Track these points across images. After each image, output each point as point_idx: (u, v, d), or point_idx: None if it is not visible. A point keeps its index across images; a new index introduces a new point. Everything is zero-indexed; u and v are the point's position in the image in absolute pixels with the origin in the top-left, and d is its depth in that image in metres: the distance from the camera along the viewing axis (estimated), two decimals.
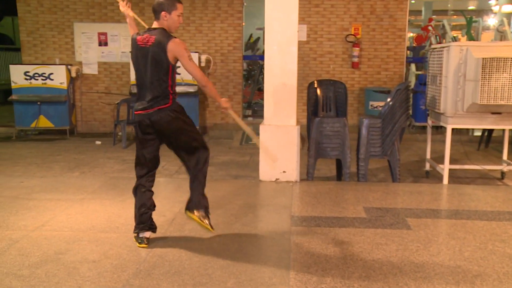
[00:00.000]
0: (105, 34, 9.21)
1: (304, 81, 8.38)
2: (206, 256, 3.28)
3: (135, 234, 3.50)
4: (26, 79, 8.52)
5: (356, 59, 9.07)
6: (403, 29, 9.08)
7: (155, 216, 3.62)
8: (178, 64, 3.38)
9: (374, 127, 5.31)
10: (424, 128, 8.48)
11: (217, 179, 5.58)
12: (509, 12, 11.74)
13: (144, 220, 3.49)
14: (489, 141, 7.49)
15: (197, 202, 3.55)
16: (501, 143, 5.97)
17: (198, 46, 9.14)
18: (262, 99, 5.80)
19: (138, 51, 3.35)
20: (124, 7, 3.69)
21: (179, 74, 3.46)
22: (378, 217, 4.10)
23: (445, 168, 5.31)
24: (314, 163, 5.37)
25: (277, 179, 5.28)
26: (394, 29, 9.07)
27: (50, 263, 3.16)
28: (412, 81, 9.48)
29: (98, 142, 8.16)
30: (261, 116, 5.49)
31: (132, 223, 3.59)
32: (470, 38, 8.90)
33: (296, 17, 5.14)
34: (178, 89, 3.46)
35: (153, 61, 3.28)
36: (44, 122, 8.62)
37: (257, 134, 5.83)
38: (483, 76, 4.78)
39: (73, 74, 8.93)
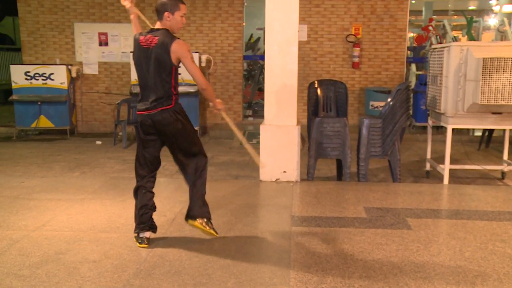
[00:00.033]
0: (105, 34, 9.22)
1: (304, 81, 8.39)
2: (207, 256, 3.28)
3: (136, 234, 3.50)
4: (26, 79, 8.53)
5: (356, 59, 9.07)
6: (403, 29, 9.08)
7: (156, 216, 3.62)
8: (180, 64, 3.38)
9: (375, 127, 5.31)
10: (424, 128, 8.48)
11: (218, 179, 5.58)
12: (510, 12, 11.73)
13: (144, 220, 3.49)
14: (489, 141, 7.48)
15: (198, 210, 3.52)
16: (502, 143, 5.97)
17: (198, 46, 9.14)
18: (263, 99, 5.80)
19: (141, 52, 3.35)
20: (128, 4, 3.67)
21: (179, 74, 3.46)
22: (379, 217, 4.10)
23: (446, 168, 5.31)
24: (315, 163, 5.37)
25: (277, 179, 5.28)
26: (394, 29, 9.07)
27: (51, 263, 3.17)
28: (413, 81, 9.47)
29: (98, 142, 8.16)
30: (262, 116, 5.49)
31: (132, 223, 3.59)
32: (471, 38, 8.89)
33: (296, 17, 5.14)
34: (179, 89, 3.46)
35: (156, 62, 3.28)
36: (44, 122, 8.62)
37: (258, 134, 5.83)
38: (483, 76, 4.78)
39: (74, 74, 8.94)
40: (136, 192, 3.53)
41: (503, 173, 5.82)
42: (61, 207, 4.35)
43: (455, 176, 5.76)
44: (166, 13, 3.31)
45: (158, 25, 3.37)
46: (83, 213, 4.20)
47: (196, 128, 3.66)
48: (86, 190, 4.92)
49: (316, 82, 5.79)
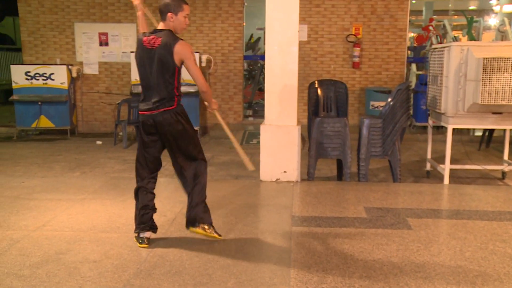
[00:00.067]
0: (105, 34, 9.22)
1: (304, 81, 8.38)
2: (207, 256, 3.28)
3: (136, 234, 3.50)
4: (27, 79, 8.53)
5: (356, 59, 9.07)
6: (404, 29, 9.08)
7: (156, 216, 3.62)
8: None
9: (375, 127, 5.31)
10: (424, 128, 8.48)
11: (218, 179, 5.58)
12: (510, 12, 11.73)
13: (145, 220, 3.50)
14: (490, 141, 7.48)
15: (199, 216, 3.52)
16: (502, 143, 5.97)
17: (198, 46, 9.14)
18: (263, 99, 5.80)
19: (144, 52, 3.34)
20: (137, 1, 3.65)
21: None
22: (379, 217, 4.10)
23: (446, 168, 5.31)
24: (315, 163, 5.37)
25: (277, 179, 5.28)
26: (395, 29, 9.07)
27: (51, 263, 3.17)
28: (413, 81, 9.47)
29: (99, 142, 8.16)
30: (262, 116, 5.49)
31: (132, 223, 3.59)
32: (471, 38, 8.89)
33: (296, 17, 5.14)
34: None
35: (159, 63, 3.27)
36: (45, 122, 8.63)
37: (258, 134, 5.83)
38: (484, 76, 4.78)
39: (74, 74, 8.94)
40: (136, 192, 3.53)
41: (503, 173, 5.81)
42: (62, 207, 4.36)
43: (455, 176, 5.75)
44: (169, 14, 3.31)
45: (161, 26, 3.36)
46: (84, 213, 4.20)
47: (196, 128, 3.64)
48: (87, 190, 4.93)
49: (316, 82, 5.79)
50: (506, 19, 9.29)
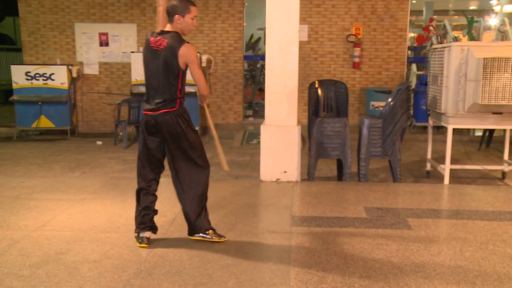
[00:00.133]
0: (106, 34, 9.22)
1: (305, 81, 8.39)
2: (207, 256, 3.28)
3: (136, 234, 3.50)
4: (27, 79, 8.54)
5: (357, 59, 9.07)
6: (404, 29, 9.08)
7: (156, 216, 3.61)
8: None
9: (375, 127, 5.31)
10: (425, 128, 8.48)
11: (218, 179, 5.58)
12: (511, 12, 11.72)
13: (145, 221, 3.50)
14: (490, 141, 7.48)
15: (200, 225, 3.52)
16: (502, 143, 5.97)
17: (199, 46, 9.14)
18: (263, 99, 5.80)
19: (150, 53, 3.35)
20: None
21: None
22: (379, 217, 4.10)
23: (446, 168, 5.31)
24: (315, 163, 5.37)
25: (277, 179, 5.28)
26: (395, 29, 9.07)
27: (51, 263, 3.17)
28: (413, 81, 9.47)
29: (99, 142, 8.16)
30: (262, 116, 5.50)
31: (133, 223, 3.59)
32: (471, 38, 8.88)
33: (297, 17, 5.14)
34: None
35: (164, 65, 3.28)
36: (45, 122, 8.63)
37: (258, 135, 5.82)
38: (484, 76, 4.78)
39: (74, 74, 8.94)
40: (138, 193, 3.52)
41: (503, 173, 5.81)
42: (62, 207, 4.36)
43: (455, 176, 5.75)
44: (176, 16, 3.30)
45: (168, 27, 3.35)
46: (84, 213, 4.20)
47: (196, 128, 3.61)
48: (87, 190, 4.93)
49: (316, 82, 5.79)
50: (506, 19, 9.28)
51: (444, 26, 9.68)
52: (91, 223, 3.93)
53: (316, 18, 9.11)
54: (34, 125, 8.60)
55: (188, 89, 3.47)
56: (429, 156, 5.95)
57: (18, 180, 5.34)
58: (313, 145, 5.31)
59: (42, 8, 9.23)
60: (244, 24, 9.36)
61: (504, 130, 5.80)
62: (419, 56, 10.18)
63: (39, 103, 8.51)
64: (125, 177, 5.57)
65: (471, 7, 14.51)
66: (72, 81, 8.97)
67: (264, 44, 5.24)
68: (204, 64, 8.75)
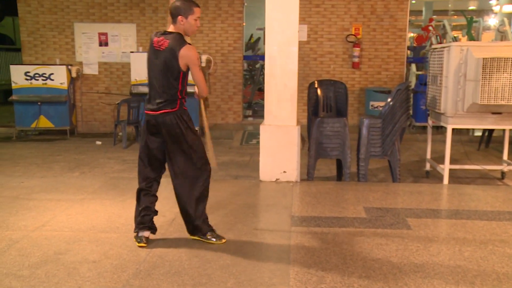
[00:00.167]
0: (105, 34, 9.22)
1: (304, 81, 8.39)
2: (206, 256, 3.28)
3: (135, 234, 3.50)
4: (26, 79, 8.53)
5: (356, 59, 9.07)
6: (403, 29, 9.08)
7: (155, 216, 3.61)
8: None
9: (375, 127, 5.31)
10: (424, 128, 8.48)
11: (217, 179, 5.57)
12: (510, 12, 11.73)
13: (144, 221, 3.50)
14: (489, 141, 7.48)
15: (200, 227, 3.52)
16: (502, 143, 5.97)
17: (198, 46, 9.14)
18: (263, 99, 5.80)
19: (152, 53, 3.36)
20: None
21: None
22: (378, 217, 4.10)
23: (445, 168, 5.31)
24: (314, 163, 5.37)
25: (277, 179, 5.28)
26: (394, 29, 9.07)
27: (50, 263, 3.17)
28: (413, 81, 9.47)
29: (98, 142, 8.16)
30: (262, 116, 5.50)
31: (132, 223, 3.59)
32: (471, 38, 8.89)
33: (296, 17, 5.14)
34: None
35: (164, 65, 3.28)
36: (44, 123, 8.63)
37: (257, 135, 5.82)
38: (483, 76, 4.78)
39: (74, 74, 8.94)
40: (139, 194, 3.52)
41: (502, 173, 5.82)
42: (61, 207, 4.36)
43: (455, 176, 5.75)
44: (179, 17, 3.29)
45: (171, 28, 3.35)
46: (83, 213, 4.20)
47: (196, 128, 3.60)
48: (86, 190, 4.92)
49: (316, 82, 5.79)
50: (505, 19, 9.29)
51: (444, 26, 9.69)
52: (91, 223, 3.93)
53: (316, 18, 9.11)
54: (33, 125, 8.60)
55: (188, 89, 3.47)
56: (428, 156, 5.95)
57: (17, 180, 5.34)
58: (313, 145, 5.31)
59: (41, 8, 9.22)
60: (244, 24, 9.36)
61: (503, 130, 5.80)
62: (418, 56, 10.19)
63: (39, 103, 8.51)
64: (124, 177, 5.57)
65: (471, 7, 14.52)
66: (72, 81, 8.97)
67: (264, 44, 5.25)
68: (203, 64, 8.75)
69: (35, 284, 2.89)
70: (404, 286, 2.87)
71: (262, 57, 8.01)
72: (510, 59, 4.73)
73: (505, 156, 5.83)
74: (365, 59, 9.16)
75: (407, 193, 4.87)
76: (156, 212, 3.56)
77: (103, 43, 9.26)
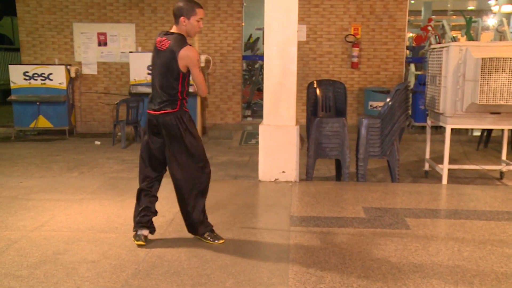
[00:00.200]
0: (104, 34, 9.22)
1: (303, 81, 8.39)
2: (205, 256, 3.28)
3: (134, 233, 3.50)
4: (25, 79, 8.52)
5: (355, 59, 9.08)
6: (402, 29, 9.09)
7: (154, 216, 3.61)
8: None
9: (374, 127, 5.31)
10: (423, 128, 8.48)
11: (216, 179, 5.57)
12: (509, 12, 11.75)
13: (143, 221, 3.50)
14: (488, 141, 7.50)
15: (198, 228, 3.53)
16: (500, 143, 5.98)
17: (197, 46, 9.13)
18: (262, 99, 5.80)
19: (156, 52, 3.37)
20: None
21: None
22: (377, 217, 4.10)
23: (444, 168, 5.32)
24: (314, 163, 5.37)
25: (276, 179, 5.28)
26: (393, 29, 9.08)
27: (49, 263, 3.16)
28: (412, 81, 9.48)
29: (97, 142, 8.16)
30: (261, 116, 5.50)
31: (131, 223, 3.59)
32: (470, 38, 8.90)
33: (295, 17, 5.14)
34: None
35: (164, 66, 3.29)
36: (43, 122, 8.62)
37: (257, 135, 5.82)
38: (482, 76, 4.78)
39: (73, 74, 8.93)
40: (139, 193, 3.52)
41: (501, 173, 5.82)
42: (60, 207, 4.35)
43: (453, 176, 5.76)
44: (182, 18, 3.29)
45: (174, 29, 3.36)
46: (82, 213, 4.20)
47: (196, 128, 3.59)
48: (85, 190, 4.92)
49: (315, 82, 5.79)
50: (504, 19, 9.31)
51: (443, 26, 9.70)
52: (90, 223, 3.93)
53: (315, 18, 9.11)
54: (32, 125, 8.59)
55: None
56: (427, 156, 5.95)
57: (16, 181, 5.34)
58: (312, 145, 5.32)
59: (40, 8, 9.21)
60: (243, 24, 9.36)
61: (502, 130, 5.81)
62: (417, 56, 10.20)
63: (37, 103, 8.50)
64: (123, 177, 5.56)
65: (470, 7, 14.53)
66: (71, 81, 8.96)
67: (263, 44, 5.24)
68: (202, 64, 8.75)
69: (33, 284, 2.88)
70: (403, 286, 2.87)
71: (261, 57, 8.01)
72: (509, 59, 4.73)
73: (503, 156, 5.84)
74: (364, 59, 9.16)
75: (406, 193, 4.88)
76: (155, 213, 3.56)
77: (102, 43, 9.25)
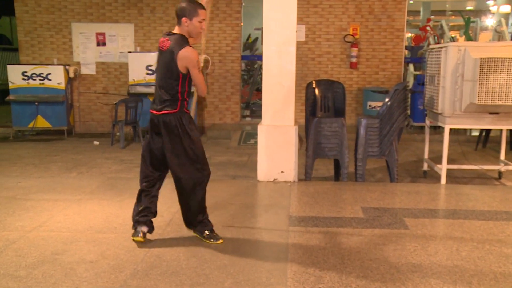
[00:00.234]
0: (103, 34, 9.21)
1: (302, 81, 8.39)
2: (204, 256, 3.28)
3: (133, 230, 3.51)
4: (23, 79, 8.51)
5: (354, 59, 9.08)
6: (401, 29, 9.09)
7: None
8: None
9: (372, 127, 5.32)
10: (422, 128, 8.47)
11: (215, 179, 5.56)
12: (507, 13, 11.77)
13: (142, 220, 3.50)
14: (486, 141, 7.50)
15: (196, 226, 3.55)
16: (499, 143, 5.98)
17: (196, 46, 9.12)
18: (260, 99, 5.80)
19: (159, 53, 3.39)
20: None
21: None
22: (376, 217, 4.10)
23: (443, 168, 5.32)
24: (312, 163, 5.37)
25: (275, 179, 5.28)
26: (392, 29, 9.08)
27: (47, 263, 3.16)
28: (410, 81, 9.49)
29: (96, 143, 8.15)
30: (259, 116, 5.49)
31: (129, 223, 3.59)
32: (468, 39, 8.91)
33: (294, 17, 5.14)
34: None
35: (165, 66, 3.30)
36: (41, 123, 8.61)
37: (255, 135, 5.82)
38: (481, 76, 4.79)
39: (71, 74, 8.92)
40: (140, 193, 3.53)
41: (500, 173, 5.83)
42: (58, 207, 4.35)
43: (452, 176, 5.76)
44: (183, 19, 3.30)
45: (176, 30, 3.36)
46: (80, 213, 4.19)
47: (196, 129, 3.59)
48: (84, 191, 4.91)
49: (314, 82, 5.79)
50: (503, 20, 9.33)
51: (441, 26, 9.71)
52: (88, 224, 3.92)
53: (314, 18, 9.11)
54: (30, 125, 8.58)
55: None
56: (426, 156, 5.96)
57: (14, 181, 5.33)
58: (310, 145, 5.32)
59: (38, 8, 9.20)
60: (242, 24, 9.35)
61: (501, 130, 5.82)
62: (416, 56, 10.20)
63: (36, 103, 8.49)
64: (122, 178, 5.55)
65: (468, 8, 14.56)
66: (69, 81, 8.95)
67: (262, 44, 5.24)
68: (201, 64, 8.73)
69: (32, 284, 2.88)
70: (402, 286, 2.87)
71: (260, 57, 8.02)
72: (507, 59, 4.74)
73: (502, 156, 5.85)
74: (363, 59, 9.17)
75: (404, 193, 4.88)
76: (155, 214, 3.56)
77: (101, 43, 9.24)
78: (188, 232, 3.68)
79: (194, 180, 3.43)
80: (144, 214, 3.48)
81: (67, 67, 8.84)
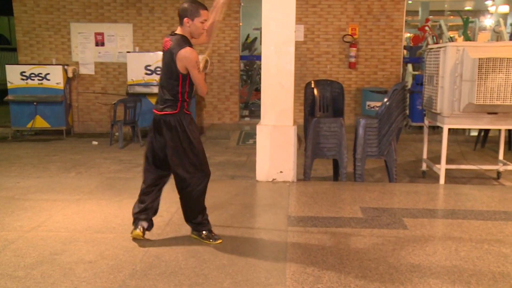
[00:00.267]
0: (101, 34, 9.20)
1: (301, 81, 8.38)
2: (203, 256, 3.28)
3: (133, 227, 3.51)
4: (22, 79, 8.50)
5: (353, 59, 9.09)
6: (400, 29, 9.10)
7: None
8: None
9: (371, 127, 5.32)
10: (420, 128, 8.49)
11: (214, 180, 5.54)
12: (506, 13, 11.78)
13: (142, 218, 3.51)
14: (485, 141, 7.52)
15: (195, 226, 3.56)
16: (497, 143, 5.99)
17: (195, 46, 9.11)
18: (259, 99, 5.80)
19: (162, 53, 3.40)
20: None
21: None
22: (375, 217, 4.10)
23: (442, 168, 5.33)
24: (311, 163, 5.37)
25: (274, 179, 5.28)
26: (391, 29, 9.09)
27: (46, 264, 3.15)
28: (409, 81, 9.50)
29: (94, 143, 8.14)
30: (258, 116, 5.49)
31: (129, 223, 3.59)
32: (467, 39, 8.93)
33: (293, 17, 5.14)
34: None
35: (165, 66, 3.32)
36: (40, 123, 8.60)
37: (254, 135, 5.82)
38: (479, 76, 4.80)
39: (70, 74, 8.91)
40: (141, 193, 3.53)
41: (498, 173, 5.84)
42: (57, 207, 4.34)
43: (451, 176, 5.77)
44: (185, 19, 3.30)
45: (178, 30, 3.37)
46: (79, 213, 4.19)
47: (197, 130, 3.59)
48: (82, 191, 4.91)
49: (312, 82, 5.79)
50: (501, 20, 9.34)
51: (440, 26, 9.72)
52: (87, 224, 3.92)
53: (312, 18, 9.11)
54: (29, 125, 8.57)
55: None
56: (424, 156, 5.96)
57: (13, 181, 5.32)
58: (309, 145, 5.32)
59: (37, 8, 9.19)
60: (240, 24, 9.35)
61: (499, 130, 5.82)
62: (415, 56, 10.21)
63: (34, 103, 8.48)
64: (121, 177, 5.54)
65: (467, 8, 14.57)
66: (68, 81, 8.94)
67: (260, 44, 5.24)
68: (203, 65, 8.72)
69: (30, 284, 2.87)
70: (401, 285, 2.87)
71: (259, 57, 8.00)
72: (506, 59, 4.75)
73: (500, 156, 5.85)
74: (362, 59, 9.17)
75: (403, 193, 4.88)
76: (156, 212, 3.57)
77: (100, 43, 9.23)
78: (187, 232, 3.68)
79: (194, 180, 3.42)
80: (146, 212, 3.49)
81: (65, 67, 8.84)
